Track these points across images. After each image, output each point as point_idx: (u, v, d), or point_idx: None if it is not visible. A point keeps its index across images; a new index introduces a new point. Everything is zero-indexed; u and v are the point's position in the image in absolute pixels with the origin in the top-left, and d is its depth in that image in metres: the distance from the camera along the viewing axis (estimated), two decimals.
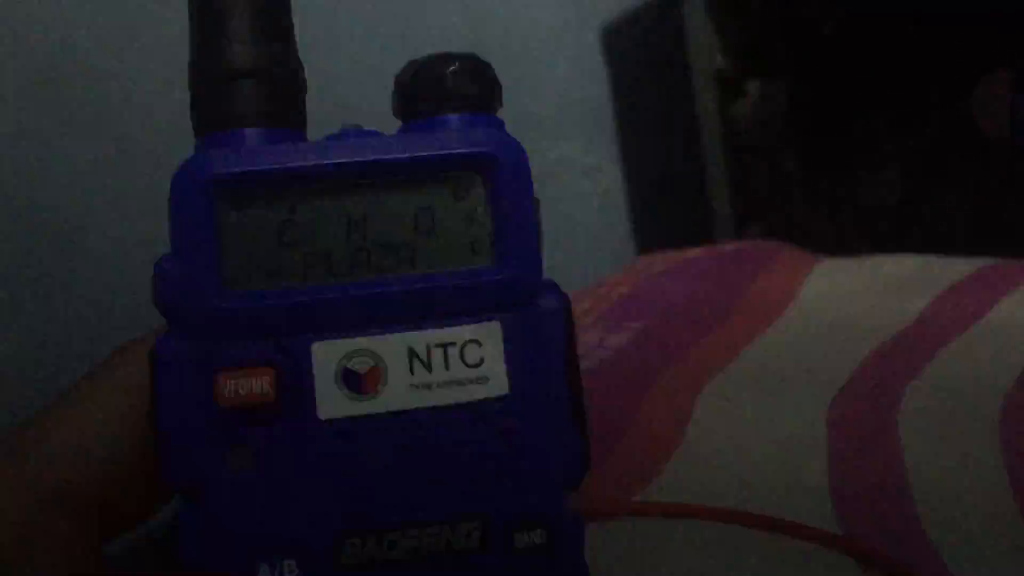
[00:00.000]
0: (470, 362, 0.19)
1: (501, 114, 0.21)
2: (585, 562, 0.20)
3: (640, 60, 1.07)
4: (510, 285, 0.19)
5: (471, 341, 0.19)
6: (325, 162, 0.19)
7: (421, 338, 0.19)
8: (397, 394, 0.19)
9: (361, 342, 0.19)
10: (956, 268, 0.51)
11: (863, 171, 0.94)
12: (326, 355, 0.19)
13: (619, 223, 1.07)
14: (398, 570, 0.18)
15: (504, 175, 0.19)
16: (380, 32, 0.82)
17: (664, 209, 1.10)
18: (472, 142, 0.20)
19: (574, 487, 0.20)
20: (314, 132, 0.21)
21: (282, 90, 0.20)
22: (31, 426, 0.20)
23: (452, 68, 0.20)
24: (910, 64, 0.87)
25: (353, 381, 0.19)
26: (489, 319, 0.19)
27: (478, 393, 0.19)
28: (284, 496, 0.18)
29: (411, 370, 0.19)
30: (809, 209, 0.97)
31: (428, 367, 0.19)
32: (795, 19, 0.94)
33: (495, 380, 0.19)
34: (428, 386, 0.19)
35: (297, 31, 0.21)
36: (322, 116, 0.22)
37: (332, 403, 0.19)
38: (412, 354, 0.19)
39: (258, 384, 0.18)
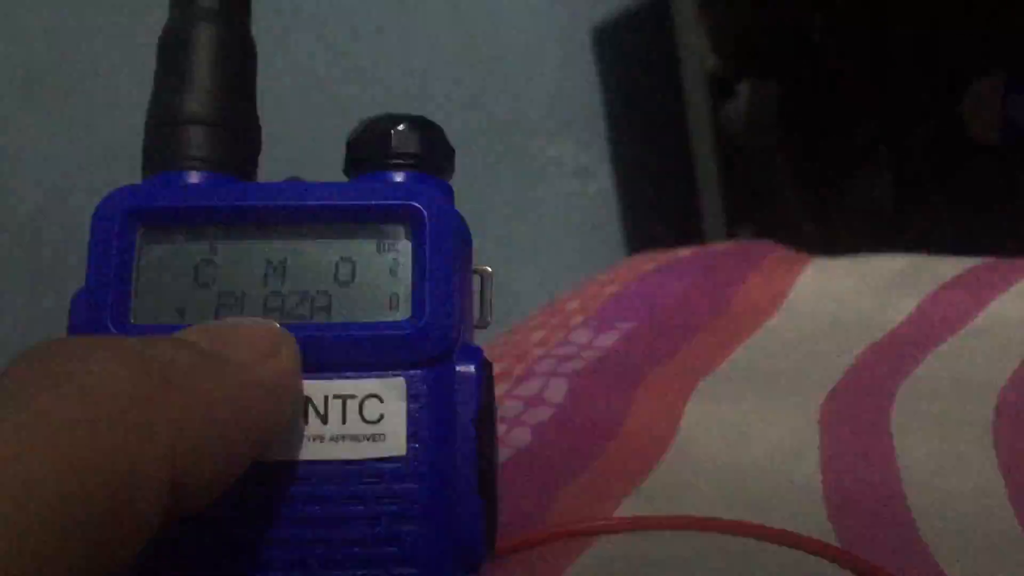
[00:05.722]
0: (368, 418, 0.18)
1: (455, 180, 0.21)
2: None
3: (631, 60, 1.07)
4: (421, 342, 0.18)
5: (372, 396, 0.18)
6: (248, 203, 0.19)
7: (320, 388, 0.18)
8: (288, 444, 0.18)
9: None
10: (947, 267, 0.50)
11: (854, 171, 0.94)
12: None
13: (610, 223, 1.07)
14: None
15: (429, 232, 0.19)
16: (371, 36, 0.82)
17: (655, 209, 1.10)
18: (400, 195, 0.19)
19: (472, 571, 0.19)
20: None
21: (232, 140, 0.20)
22: None
23: (398, 127, 0.20)
24: (902, 66, 0.87)
25: None
26: (394, 375, 0.18)
27: (371, 451, 0.18)
28: (171, 546, 0.17)
29: (305, 420, 0.18)
30: (800, 209, 0.97)
31: (324, 419, 0.18)
32: (786, 19, 0.93)
33: (392, 439, 0.18)
34: (320, 438, 0.18)
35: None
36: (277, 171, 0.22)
37: None
38: (308, 403, 0.18)
39: None
